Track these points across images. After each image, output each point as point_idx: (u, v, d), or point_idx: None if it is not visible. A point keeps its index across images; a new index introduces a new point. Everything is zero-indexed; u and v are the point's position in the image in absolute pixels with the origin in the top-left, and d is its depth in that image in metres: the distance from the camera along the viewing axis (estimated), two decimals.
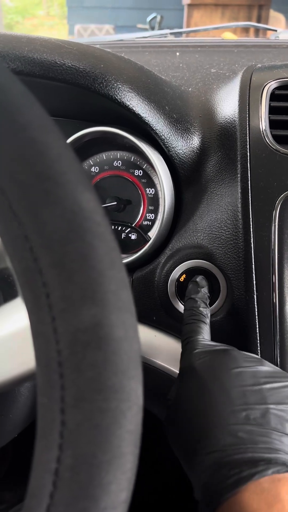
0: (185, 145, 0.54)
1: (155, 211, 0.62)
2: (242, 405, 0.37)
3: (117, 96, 0.48)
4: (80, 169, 0.26)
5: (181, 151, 0.54)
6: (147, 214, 0.63)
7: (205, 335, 0.45)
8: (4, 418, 0.43)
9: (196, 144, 0.54)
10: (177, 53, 0.90)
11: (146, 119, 0.50)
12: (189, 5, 4.89)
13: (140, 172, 0.63)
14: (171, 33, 1.13)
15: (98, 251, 0.24)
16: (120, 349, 0.24)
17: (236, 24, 1.20)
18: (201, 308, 0.47)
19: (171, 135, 0.52)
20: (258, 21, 4.74)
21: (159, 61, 0.84)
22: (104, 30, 5.07)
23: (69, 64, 0.46)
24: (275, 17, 4.89)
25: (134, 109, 0.49)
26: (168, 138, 0.52)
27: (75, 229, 0.24)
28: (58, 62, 0.46)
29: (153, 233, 0.59)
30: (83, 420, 0.23)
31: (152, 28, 5.05)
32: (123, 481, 0.23)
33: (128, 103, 0.49)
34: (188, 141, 0.54)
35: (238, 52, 0.90)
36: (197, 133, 0.55)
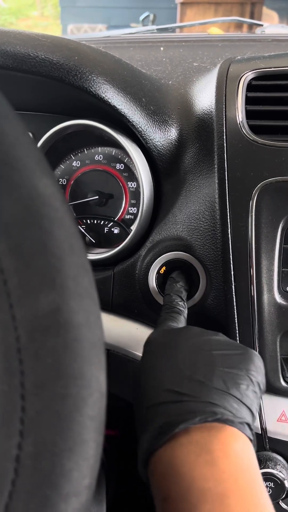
0: (163, 137, 0.54)
1: (137, 205, 0.62)
2: (189, 366, 0.37)
3: (91, 88, 0.48)
4: (38, 155, 0.26)
5: (159, 143, 0.54)
6: (129, 208, 0.63)
7: (178, 324, 0.45)
8: None
9: (174, 136, 0.54)
10: (161, 48, 0.90)
11: (122, 111, 0.50)
12: (182, 4, 4.88)
13: (122, 166, 0.63)
14: (158, 29, 1.13)
15: (56, 236, 0.24)
16: (80, 335, 0.24)
17: (223, 19, 1.20)
18: (176, 302, 0.47)
19: (148, 127, 0.52)
20: (251, 18, 4.74)
21: (143, 56, 0.84)
22: (98, 30, 5.07)
23: (43, 57, 0.46)
24: (268, 15, 4.89)
25: (109, 101, 0.49)
26: (145, 130, 0.52)
27: (33, 214, 0.24)
28: (31, 55, 0.46)
29: (134, 226, 0.59)
30: (43, 407, 0.22)
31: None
32: (85, 468, 0.23)
33: (103, 95, 0.49)
34: (166, 133, 0.54)
35: (223, 46, 0.90)
36: (175, 125, 0.55)
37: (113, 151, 0.63)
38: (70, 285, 0.24)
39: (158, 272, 0.54)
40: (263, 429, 0.50)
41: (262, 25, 1.10)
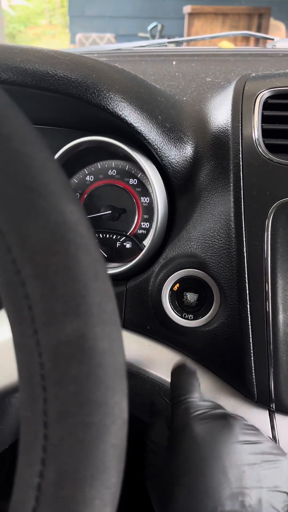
0: (178, 154, 0.54)
1: (150, 220, 0.62)
2: (239, 487, 0.38)
3: (109, 106, 0.48)
4: (65, 180, 0.26)
5: (174, 160, 0.54)
6: (142, 223, 0.63)
7: (197, 393, 0.45)
8: None
9: (189, 153, 0.54)
10: (174, 62, 0.91)
11: (139, 128, 0.50)
12: (190, 14, 4.93)
13: (135, 181, 0.63)
14: (169, 42, 1.14)
15: (81, 262, 0.24)
16: (104, 362, 0.24)
17: (234, 33, 1.21)
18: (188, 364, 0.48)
19: (164, 144, 0.52)
20: (258, 29, 4.78)
21: (156, 70, 0.84)
22: (106, 39, 5.11)
23: (61, 75, 0.46)
24: (275, 26, 4.92)
25: (126, 118, 0.49)
26: (161, 148, 0.52)
27: (59, 240, 0.24)
28: (50, 73, 0.46)
29: (147, 242, 0.59)
30: (66, 434, 0.22)
31: (153, 37, 5.10)
32: (107, 496, 0.23)
33: (120, 113, 0.49)
34: (181, 150, 0.54)
35: (235, 61, 0.91)
36: (190, 142, 0.55)
37: (127, 166, 0.63)
38: (95, 311, 0.24)
39: (171, 289, 0.54)
40: None
41: (273, 39, 1.10)
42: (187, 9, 4.92)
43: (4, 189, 0.24)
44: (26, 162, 0.24)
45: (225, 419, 0.42)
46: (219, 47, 1.11)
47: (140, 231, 0.62)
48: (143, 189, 0.63)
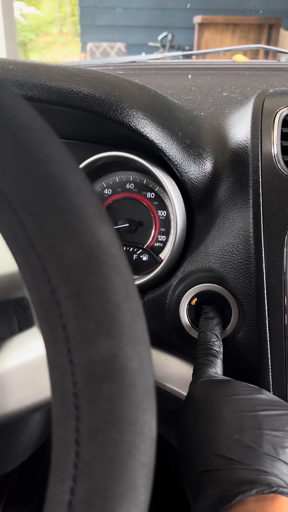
0: (198, 170, 0.54)
1: (167, 233, 0.63)
2: (236, 429, 0.38)
3: (131, 123, 0.49)
4: (98, 203, 0.27)
5: (193, 176, 0.54)
6: (159, 236, 0.63)
7: (216, 368, 0.45)
8: (15, 442, 0.43)
9: (208, 169, 0.55)
10: (189, 76, 0.92)
11: (160, 145, 0.51)
12: (200, 24, 4.97)
13: (152, 194, 0.63)
14: (183, 55, 1.15)
15: (114, 283, 0.25)
16: (135, 382, 0.24)
17: (248, 46, 1.22)
18: (212, 342, 0.48)
19: (184, 160, 0.53)
20: (268, 39, 4.80)
21: (172, 83, 0.86)
22: (116, 48, 5.16)
23: (85, 92, 0.47)
24: (285, 36, 4.95)
25: (148, 135, 0.50)
26: (181, 164, 0.53)
27: (92, 261, 0.24)
28: (74, 90, 0.47)
29: (164, 255, 0.59)
30: (97, 452, 0.23)
31: (163, 46, 5.14)
32: None
33: (142, 130, 0.50)
34: (201, 166, 0.55)
35: (249, 75, 0.92)
36: (209, 158, 0.55)
37: (144, 180, 0.63)
38: (126, 331, 0.25)
39: (189, 303, 0.54)
40: None
41: (287, 53, 1.11)
42: (197, 19, 4.97)
43: (42, 211, 0.25)
44: (63, 185, 0.25)
45: (226, 381, 0.44)
46: (233, 60, 1.12)
47: (157, 244, 0.63)
48: (160, 202, 0.63)
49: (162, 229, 0.63)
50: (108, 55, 5.10)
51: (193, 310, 0.54)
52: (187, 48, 5.57)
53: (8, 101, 0.27)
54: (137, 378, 0.24)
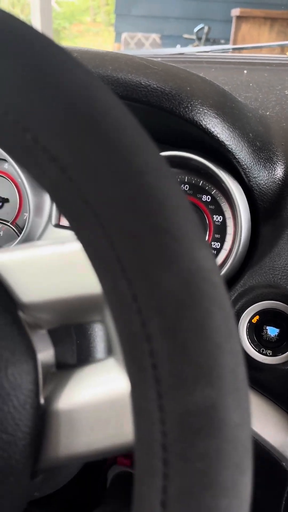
0: (267, 175, 0.50)
1: (222, 240, 0.58)
2: None
3: (202, 122, 0.44)
4: (196, 220, 0.23)
5: (262, 182, 0.50)
6: (213, 242, 0.59)
7: None
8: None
9: (278, 175, 0.50)
10: (245, 71, 0.86)
11: (230, 147, 0.47)
12: (238, 17, 4.85)
13: (208, 198, 0.59)
14: (233, 49, 1.10)
15: (215, 319, 0.21)
16: (236, 438, 0.20)
17: None
18: None
19: (253, 164, 0.49)
20: None
21: (227, 78, 0.81)
22: (151, 39, 5.09)
23: (154, 86, 0.43)
24: None
25: (218, 136, 0.46)
26: (250, 168, 0.49)
27: (192, 292, 0.20)
28: (143, 83, 0.43)
29: (222, 266, 0.55)
30: None
31: (199, 39, 5.06)
32: None
33: (212, 130, 0.45)
34: (271, 171, 0.50)
35: None
36: (280, 163, 0.51)
37: (200, 181, 0.59)
38: (228, 378, 0.21)
39: (250, 321, 0.50)
40: None
41: None
42: (235, 12, 4.85)
43: (135, 229, 0.21)
44: (160, 199, 0.21)
45: None
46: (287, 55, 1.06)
47: None
48: (217, 206, 0.59)
49: (216, 235, 0.59)
50: (143, 46, 5.03)
51: (253, 330, 0.50)
52: (222, 41, 5.46)
53: (99, 95, 0.22)
54: (238, 433, 0.20)
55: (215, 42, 5.31)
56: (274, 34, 4.94)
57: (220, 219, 0.59)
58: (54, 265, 0.25)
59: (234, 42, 4.99)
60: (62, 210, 0.21)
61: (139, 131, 0.22)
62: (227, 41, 5.29)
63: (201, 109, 0.44)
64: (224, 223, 0.58)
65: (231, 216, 0.58)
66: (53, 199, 0.22)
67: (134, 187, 0.21)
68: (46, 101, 0.21)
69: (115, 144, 0.21)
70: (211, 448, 0.20)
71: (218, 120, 0.45)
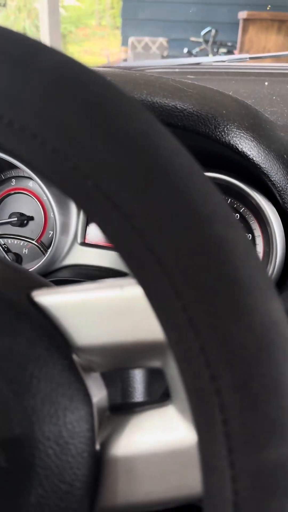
0: None
1: None
2: None
3: (238, 146, 0.44)
4: (265, 269, 0.22)
5: None
6: None
7: None
8: None
9: None
10: (266, 83, 0.86)
11: (265, 169, 0.46)
12: (245, 20, 4.84)
13: (237, 215, 0.59)
14: (251, 58, 1.09)
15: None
16: None
17: None
18: None
19: None
20: None
21: (249, 91, 0.80)
22: (158, 43, 5.09)
23: (191, 110, 0.43)
24: None
25: (254, 159, 0.45)
26: (285, 190, 0.48)
27: (266, 347, 0.20)
28: (178, 108, 0.43)
29: None
30: None
31: (206, 42, 5.04)
32: None
33: (249, 153, 0.45)
34: None
35: None
36: None
37: (229, 199, 0.59)
38: None
39: None
40: None
41: None
42: (242, 14, 4.84)
43: (203, 279, 0.20)
44: (229, 249, 0.21)
45: None
46: None
47: None
48: (246, 225, 0.58)
49: None
50: (150, 50, 5.03)
51: None
52: (229, 44, 5.45)
53: (162, 142, 0.22)
54: None
55: (222, 44, 5.30)
56: (281, 36, 4.92)
57: (249, 237, 0.58)
58: (113, 309, 0.25)
59: (242, 45, 4.98)
60: (125, 257, 0.21)
61: (204, 179, 0.22)
62: (234, 44, 5.28)
63: (237, 133, 0.44)
64: (253, 240, 0.58)
65: (260, 234, 0.58)
66: (117, 248, 0.21)
67: (202, 237, 0.20)
68: (113, 150, 0.20)
69: (182, 192, 0.21)
70: (286, 509, 0.19)
71: (254, 143, 0.45)
